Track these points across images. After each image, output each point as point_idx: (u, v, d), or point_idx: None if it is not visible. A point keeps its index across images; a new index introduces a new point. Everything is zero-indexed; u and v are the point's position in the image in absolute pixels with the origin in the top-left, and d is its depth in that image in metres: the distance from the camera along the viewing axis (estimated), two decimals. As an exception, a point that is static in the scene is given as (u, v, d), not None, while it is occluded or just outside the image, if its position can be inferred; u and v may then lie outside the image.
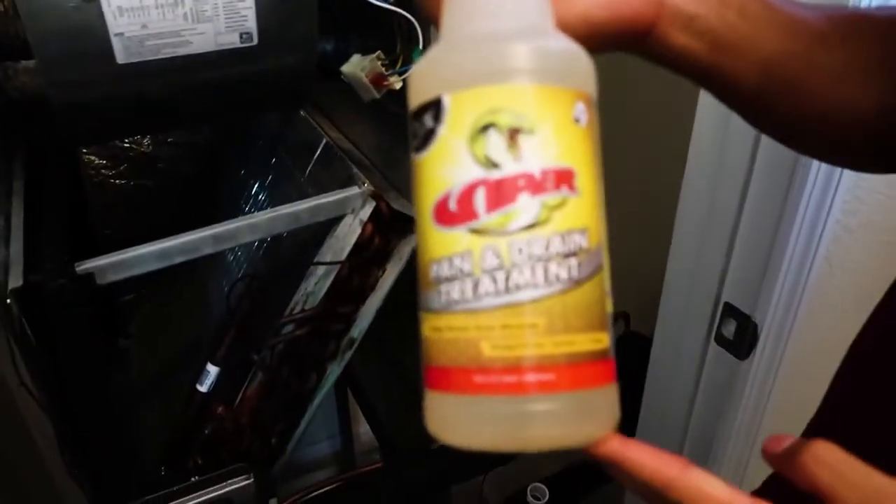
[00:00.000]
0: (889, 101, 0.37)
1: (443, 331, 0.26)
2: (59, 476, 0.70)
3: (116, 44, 0.62)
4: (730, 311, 0.75)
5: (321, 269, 0.83)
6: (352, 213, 0.82)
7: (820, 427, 0.43)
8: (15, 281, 0.64)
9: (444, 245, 0.26)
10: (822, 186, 0.64)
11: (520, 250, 0.25)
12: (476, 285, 0.25)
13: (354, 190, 0.81)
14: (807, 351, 0.74)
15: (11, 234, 0.71)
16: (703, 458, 0.81)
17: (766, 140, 0.65)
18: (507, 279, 0.25)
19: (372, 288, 0.85)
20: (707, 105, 0.70)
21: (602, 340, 0.26)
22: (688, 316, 0.81)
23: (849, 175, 0.65)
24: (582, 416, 0.26)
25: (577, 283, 0.25)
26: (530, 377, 0.25)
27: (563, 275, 0.25)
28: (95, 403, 0.71)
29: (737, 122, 0.68)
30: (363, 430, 1.64)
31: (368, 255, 0.83)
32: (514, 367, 0.25)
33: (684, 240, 0.80)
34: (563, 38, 0.28)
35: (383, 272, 0.84)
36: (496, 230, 0.25)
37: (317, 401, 0.89)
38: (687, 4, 0.33)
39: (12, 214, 0.74)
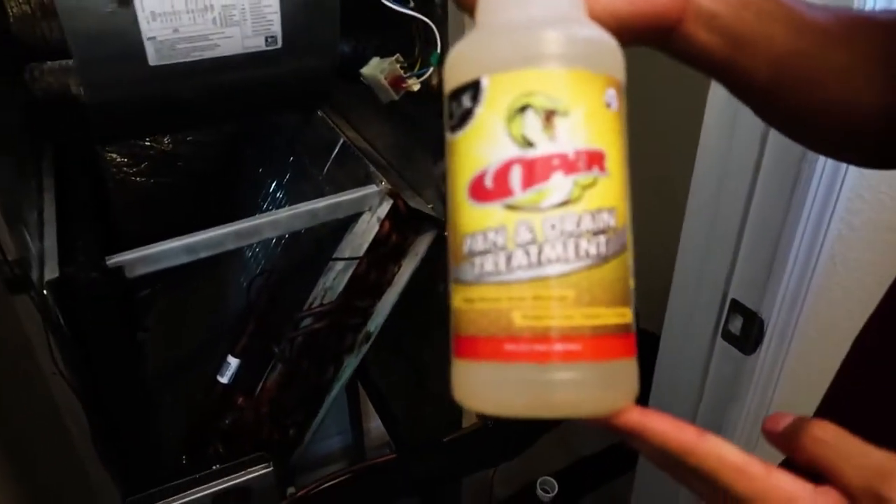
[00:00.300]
0: (892, 99, 0.39)
1: (475, 301, 0.27)
2: (90, 461, 0.73)
3: (149, 47, 0.64)
4: (736, 307, 0.77)
5: (340, 265, 0.86)
6: (369, 211, 0.84)
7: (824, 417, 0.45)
8: (51, 273, 0.66)
9: (478, 220, 0.27)
10: (826, 186, 0.66)
11: (552, 226, 0.26)
12: (509, 259, 0.26)
13: (372, 188, 0.84)
14: (811, 347, 0.76)
15: (45, 228, 0.73)
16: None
17: (771, 141, 0.67)
18: (539, 253, 0.26)
19: (388, 283, 0.87)
20: (715, 107, 0.73)
21: (625, 315, 0.27)
22: (695, 312, 0.83)
23: (852, 175, 0.67)
24: (605, 386, 0.27)
25: (604, 259, 0.26)
26: (558, 346, 0.26)
27: (592, 251, 0.26)
28: (124, 391, 0.74)
29: (744, 124, 0.70)
30: (373, 425, 1.67)
31: (385, 252, 0.85)
32: (543, 336, 0.26)
33: (692, 238, 0.82)
34: (596, 26, 0.29)
35: (399, 268, 0.87)
36: (530, 206, 0.26)
37: (334, 392, 0.92)
38: (710, 3, 0.35)
39: (44, 209, 0.77)
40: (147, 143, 1.13)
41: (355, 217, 0.85)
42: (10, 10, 0.99)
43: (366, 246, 0.84)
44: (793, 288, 0.72)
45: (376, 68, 0.76)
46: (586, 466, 1.18)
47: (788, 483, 0.26)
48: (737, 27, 0.35)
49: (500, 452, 1.01)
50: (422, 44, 0.76)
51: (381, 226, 0.83)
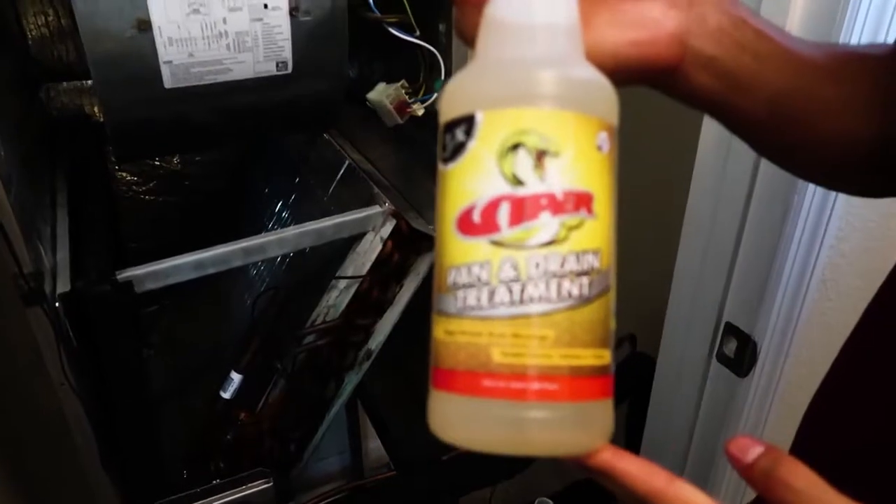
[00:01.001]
0: (882, 132, 0.40)
1: (455, 334, 0.27)
2: (93, 472, 0.74)
3: (165, 70, 0.67)
4: (730, 330, 0.79)
5: (343, 283, 0.87)
6: (373, 231, 0.86)
7: (820, 406, 0.45)
8: (63, 287, 0.68)
9: (464, 253, 0.27)
10: (815, 215, 0.68)
11: (536, 265, 0.26)
12: (492, 294, 0.26)
13: (376, 209, 0.86)
14: (805, 369, 0.78)
15: (58, 242, 0.76)
16: (706, 470, 0.84)
17: (763, 171, 0.70)
18: (522, 291, 0.26)
19: (390, 302, 0.89)
20: (708, 138, 0.75)
21: (604, 357, 0.28)
22: (690, 335, 0.85)
23: (841, 204, 0.70)
24: (580, 427, 0.27)
25: (586, 300, 0.27)
26: (535, 385, 0.26)
27: (575, 292, 0.26)
28: (129, 403, 0.75)
29: (736, 155, 0.73)
30: (372, 446, 1.67)
31: (388, 271, 0.87)
32: (521, 374, 0.26)
33: (687, 263, 0.84)
34: (592, 69, 0.29)
35: (401, 287, 0.89)
36: (516, 244, 0.26)
37: (335, 409, 0.93)
38: (708, 47, 0.36)
39: (57, 224, 0.79)
40: (157, 163, 1.16)
41: (359, 236, 0.87)
42: (29, 33, 1.02)
43: (369, 265, 0.86)
44: (785, 312, 0.74)
45: (382, 93, 0.79)
46: (582, 489, 1.19)
47: None
48: (735, 70, 0.36)
49: (497, 472, 1.02)
50: (426, 70, 0.79)
51: (384, 245, 0.85)
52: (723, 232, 0.76)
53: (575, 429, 0.27)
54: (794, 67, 0.38)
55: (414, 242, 0.87)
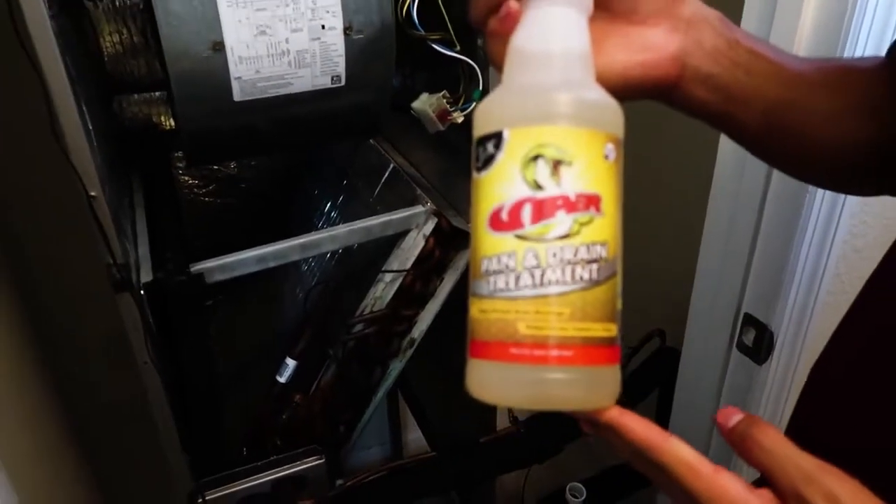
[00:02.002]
0: (874, 138, 0.45)
1: (488, 312, 0.32)
2: (169, 443, 0.83)
3: (235, 85, 0.76)
4: (749, 321, 0.84)
5: (388, 277, 0.95)
6: (416, 229, 0.94)
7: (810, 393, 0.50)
8: (146, 277, 0.77)
9: (494, 246, 0.32)
10: (826, 213, 0.74)
11: (554, 254, 0.31)
12: (518, 279, 0.31)
13: (419, 208, 0.94)
14: (820, 358, 0.83)
15: (138, 238, 0.85)
16: (728, 454, 0.89)
17: (775, 176, 0.75)
18: (542, 276, 0.31)
19: (432, 294, 0.96)
20: (726, 149, 0.81)
21: (612, 330, 0.32)
22: (712, 325, 0.90)
23: (854, 203, 0.75)
24: (591, 387, 0.32)
25: (595, 283, 0.31)
26: (554, 352, 0.31)
27: (586, 276, 0.31)
28: (200, 381, 0.84)
29: (751, 162, 0.78)
30: (412, 437, 1.75)
31: (429, 266, 0.94)
32: (542, 343, 0.31)
33: (709, 261, 0.89)
34: (601, 90, 0.34)
35: (441, 280, 0.96)
36: (537, 237, 0.31)
37: (380, 394, 1.01)
38: (705, 65, 0.40)
39: (136, 221, 0.88)
40: (215, 168, 1.25)
41: (403, 234, 0.95)
42: (105, 50, 1.13)
43: (412, 260, 0.93)
44: (800, 303, 0.79)
45: (425, 103, 0.86)
46: (613, 475, 1.24)
47: (729, 482, 0.31)
48: (730, 85, 0.41)
49: (531, 455, 1.09)
50: (466, 81, 0.86)
51: (426, 242, 0.93)
52: (740, 231, 0.82)
53: (587, 388, 0.32)
54: (786, 81, 0.43)
55: (454, 239, 0.94)
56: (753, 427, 0.32)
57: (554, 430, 1.08)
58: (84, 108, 0.65)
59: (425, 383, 1.32)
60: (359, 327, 0.96)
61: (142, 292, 0.75)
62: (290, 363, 1.00)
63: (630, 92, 0.40)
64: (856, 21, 0.64)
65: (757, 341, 0.84)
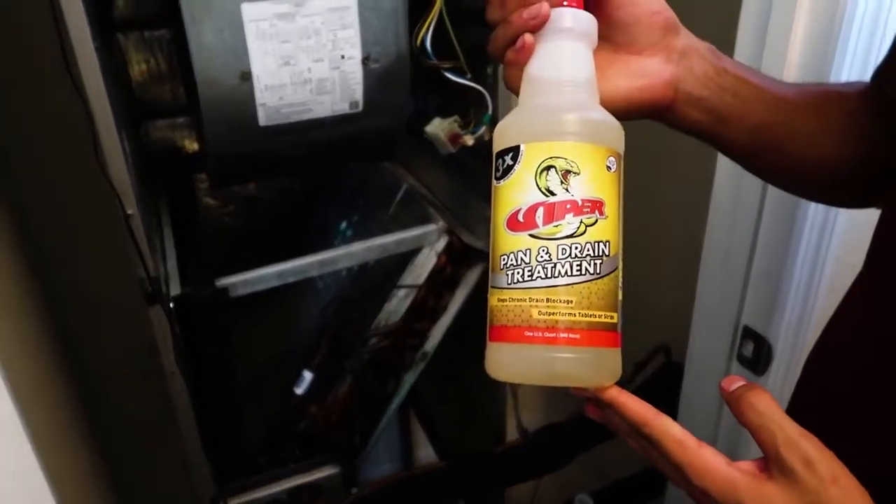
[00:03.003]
0: (855, 156, 0.49)
1: (506, 301, 0.37)
2: (193, 450, 0.87)
3: (260, 111, 0.81)
4: (748, 333, 0.88)
5: (402, 292, 1.00)
6: (429, 246, 0.99)
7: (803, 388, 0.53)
8: (174, 290, 0.82)
9: (511, 244, 0.37)
10: (818, 231, 0.77)
11: (563, 251, 0.36)
12: (532, 272, 0.36)
13: (431, 227, 0.98)
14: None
15: (166, 254, 0.90)
16: (732, 455, 0.92)
17: (770, 197, 0.79)
18: (553, 269, 0.36)
19: (444, 309, 1.01)
20: (723, 167, 0.85)
21: (613, 318, 0.37)
22: (714, 338, 0.94)
23: (844, 220, 0.79)
24: (595, 366, 0.37)
25: (599, 276, 0.36)
26: (563, 335, 0.36)
27: (591, 270, 0.36)
28: (223, 389, 0.88)
29: (747, 181, 0.82)
30: (423, 454, 1.78)
31: (441, 281, 0.99)
32: (553, 327, 0.36)
33: (709, 277, 0.93)
34: (604, 111, 0.39)
35: (453, 296, 1.00)
36: (548, 236, 0.36)
37: (394, 405, 1.05)
38: (696, 90, 0.46)
39: (165, 239, 0.93)
40: (236, 189, 1.31)
41: (416, 251, 0.99)
42: (133, 78, 1.19)
43: (425, 276, 0.98)
44: (797, 315, 0.83)
45: (438, 127, 0.91)
46: (622, 487, 1.27)
47: (711, 455, 0.35)
48: (719, 107, 0.46)
49: (539, 467, 1.12)
50: (476, 107, 0.91)
51: (439, 259, 0.97)
52: (738, 247, 0.86)
53: (591, 367, 0.37)
54: (771, 104, 0.48)
55: (465, 256, 0.98)
56: (751, 391, 0.36)
57: (562, 442, 1.11)
58: (123, 134, 0.71)
59: (436, 396, 1.35)
60: (373, 341, 1.00)
61: (171, 305, 0.79)
62: (308, 375, 1.05)
63: (631, 112, 0.45)
64: (840, 49, 0.69)
65: (756, 353, 0.87)
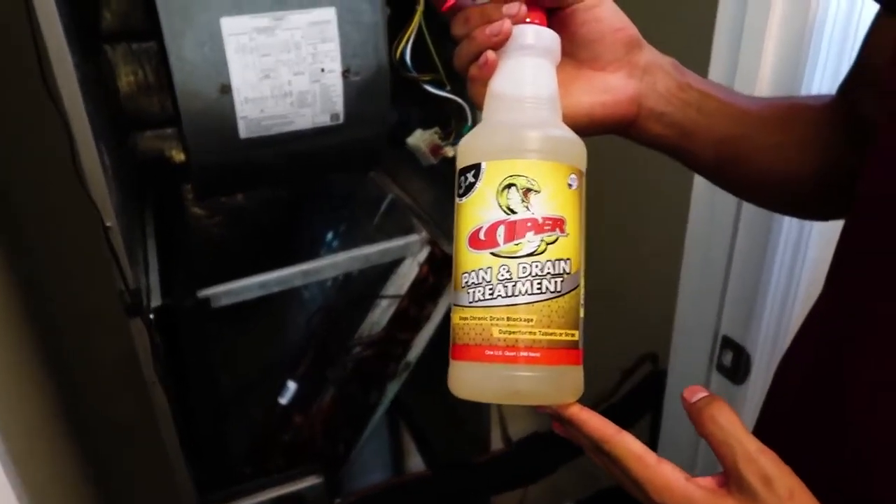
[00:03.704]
0: (819, 169, 0.50)
1: (467, 319, 0.37)
2: (176, 461, 0.87)
3: (241, 123, 0.82)
4: (727, 343, 0.89)
5: (385, 302, 1.00)
6: (411, 256, 0.99)
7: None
8: (155, 301, 0.83)
9: (473, 262, 0.37)
10: (793, 243, 0.78)
11: (524, 269, 0.36)
12: (493, 290, 0.36)
13: (414, 237, 0.99)
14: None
15: (149, 265, 0.90)
16: (713, 470, 0.93)
17: (746, 208, 0.80)
18: (513, 287, 0.36)
19: (426, 319, 1.01)
20: (700, 181, 0.86)
21: (574, 335, 0.37)
22: (694, 348, 0.94)
23: (819, 231, 0.79)
24: (556, 384, 0.37)
25: (560, 294, 0.36)
26: (523, 353, 0.35)
27: (551, 288, 0.36)
28: (206, 401, 0.89)
29: (723, 194, 0.82)
30: (412, 462, 1.78)
31: (424, 291, 0.99)
32: (513, 346, 0.35)
33: (689, 284, 0.94)
34: (566, 129, 0.39)
35: (436, 306, 1.01)
36: (509, 254, 0.36)
37: (378, 414, 1.05)
38: (658, 105, 0.46)
39: (148, 250, 0.94)
40: (223, 199, 1.31)
41: (399, 261, 1.00)
42: (120, 89, 1.20)
43: (407, 286, 0.98)
44: (774, 325, 0.84)
45: (419, 138, 0.92)
46: (608, 496, 1.27)
47: (670, 472, 0.35)
48: (683, 121, 0.47)
49: (525, 475, 1.12)
50: (456, 118, 0.92)
51: (421, 269, 0.98)
52: (716, 259, 0.86)
53: (552, 385, 0.37)
54: (736, 118, 0.48)
55: (447, 266, 0.99)
56: (713, 404, 0.36)
57: (547, 450, 1.11)
58: (102, 147, 0.71)
59: (422, 405, 1.36)
60: (357, 350, 1.01)
61: (151, 316, 0.80)
62: (292, 385, 1.05)
63: (594, 128, 0.45)
64: (810, 60, 0.70)
65: (735, 363, 0.88)
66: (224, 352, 1.37)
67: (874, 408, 0.39)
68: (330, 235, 1.24)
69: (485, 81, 0.41)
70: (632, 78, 0.46)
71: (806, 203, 0.55)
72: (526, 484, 1.13)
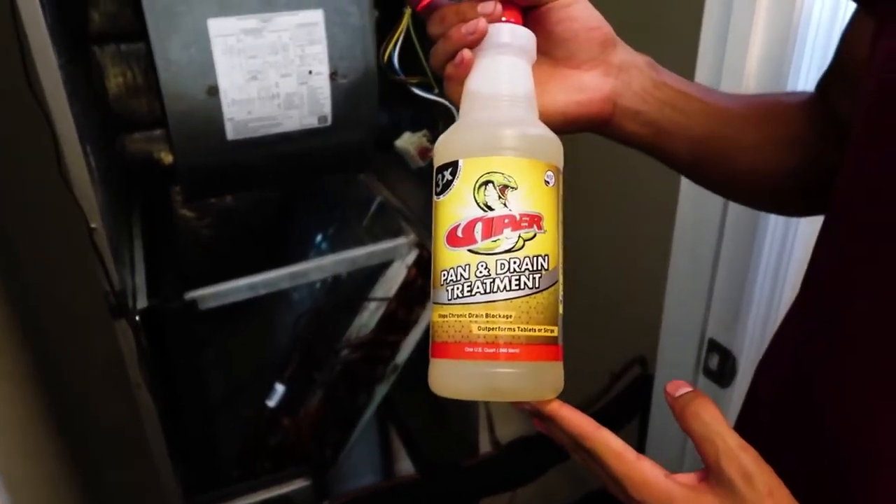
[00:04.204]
0: (796, 166, 0.50)
1: (447, 317, 0.36)
2: (161, 464, 0.87)
3: (228, 125, 0.82)
4: (713, 346, 0.89)
5: (373, 305, 1.00)
6: (399, 259, 0.99)
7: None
8: (141, 303, 0.82)
9: (451, 259, 0.36)
10: (778, 246, 0.79)
11: (502, 265, 0.35)
12: (471, 287, 0.35)
13: (402, 240, 0.99)
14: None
15: (135, 267, 0.90)
16: (696, 476, 0.93)
17: (731, 212, 0.81)
18: (492, 284, 0.35)
19: (414, 322, 1.01)
20: (687, 186, 0.87)
21: (554, 331, 0.37)
22: (681, 351, 0.95)
23: (805, 233, 0.80)
24: (536, 380, 0.36)
25: (539, 290, 0.36)
26: (502, 350, 0.35)
27: (530, 284, 0.35)
28: (193, 402, 0.88)
29: (709, 198, 0.83)
30: (402, 466, 1.78)
31: (412, 294, 0.99)
32: (493, 342, 0.35)
33: (676, 288, 0.94)
34: (542, 126, 0.38)
35: (424, 308, 1.01)
36: (487, 251, 0.35)
37: (366, 417, 1.05)
38: (633, 103, 0.46)
39: (135, 252, 0.94)
40: (212, 201, 1.31)
41: (387, 264, 1.00)
42: (109, 90, 1.19)
43: (395, 289, 0.98)
44: (759, 328, 0.84)
45: (407, 141, 0.93)
46: (597, 499, 1.27)
47: (649, 468, 0.35)
48: (658, 120, 0.47)
49: (514, 478, 1.12)
50: (444, 121, 0.92)
51: (409, 272, 0.98)
52: (702, 261, 0.87)
53: (532, 381, 0.36)
54: (712, 116, 0.48)
55: (435, 269, 0.99)
56: (696, 400, 0.36)
57: (535, 453, 1.11)
58: (88, 149, 0.71)
59: (411, 409, 1.36)
60: (345, 353, 1.00)
61: (137, 318, 0.80)
62: (279, 388, 1.05)
63: (570, 126, 0.45)
64: (795, 59, 0.70)
65: (721, 366, 0.88)
66: (212, 354, 1.37)
67: (849, 409, 0.39)
68: (319, 237, 1.24)
69: (461, 80, 0.41)
70: (607, 76, 0.46)
71: (785, 199, 0.56)
72: (514, 487, 1.13)
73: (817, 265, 0.45)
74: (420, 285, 0.99)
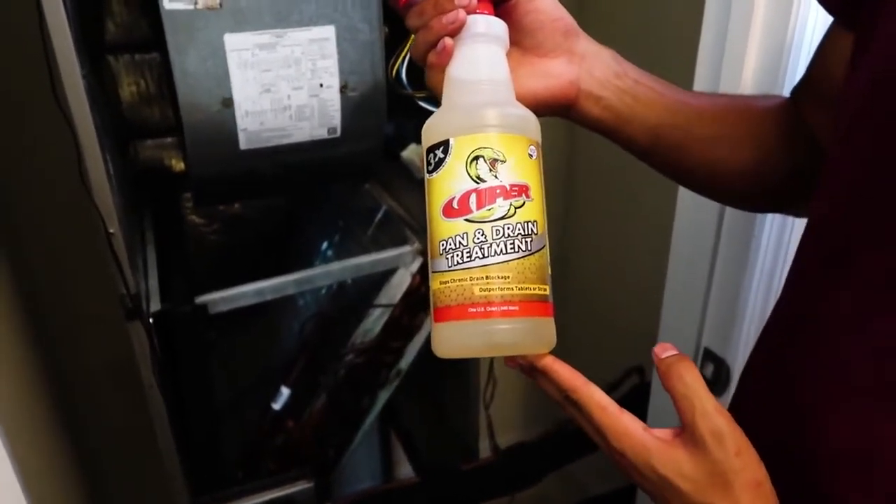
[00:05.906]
0: (754, 166, 0.53)
1: (448, 283, 0.40)
2: (171, 463, 0.89)
3: (241, 135, 0.84)
4: (708, 355, 0.91)
5: (378, 311, 1.03)
6: (404, 266, 1.02)
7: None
8: (154, 307, 0.85)
9: (449, 229, 0.40)
10: (772, 255, 0.81)
11: (497, 231, 0.39)
12: (470, 253, 0.39)
13: (407, 248, 1.02)
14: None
15: (148, 271, 0.93)
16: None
17: (728, 216, 0.83)
18: (489, 249, 0.39)
19: (418, 328, 1.04)
20: (684, 198, 0.89)
21: (546, 290, 0.41)
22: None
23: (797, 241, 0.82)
24: (533, 335, 0.40)
25: (531, 252, 0.40)
26: (503, 308, 0.39)
27: (523, 247, 0.39)
28: (201, 404, 0.91)
29: (706, 209, 0.86)
30: (401, 469, 1.80)
31: (416, 301, 1.02)
32: (493, 301, 0.39)
33: (672, 297, 0.97)
34: (522, 106, 0.43)
35: (427, 315, 1.03)
36: (482, 219, 0.39)
37: (368, 421, 1.07)
38: (595, 89, 0.50)
39: (147, 256, 0.96)
40: (221, 208, 1.34)
41: (392, 271, 1.03)
42: (123, 99, 1.22)
43: (399, 295, 1.01)
44: (753, 338, 0.86)
45: (413, 152, 0.95)
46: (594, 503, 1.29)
47: (630, 420, 0.39)
48: (618, 107, 0.51)
49: (512, 483, 1.15)
50: (450, 134, 0.95)
51: (413, 279, 1.01)
52: (698, 273, 0.89)
53: (529, 336, 0.40)
54: (671, 108, 0.52)
55: (439, 277, 1.02)
56: (681, 362, 0.39)
57: (534, 459, 1.14)
58: (107, 156, 0.74)
59: (412, 414, 1.38)
60: (349, 357, 1.03)
61: (150, 321, 0.82)
62: (285, 391, 1.07)
63: (539, 109, 0.49)
64: (791, 65, 0.73)
65: (716, 375, 0.90)
66: (223, 357, 1.39)
67: (823, 410, 0.41)
68: (325, 245, 1.27)
69: (442, 68, 0.44)
70: (571, 63, 0.50)
71: (742, 195, 0.59)
72: (513, 492, 1.15)
73: (796, 271, 0.48)
74: (424, 292, 1.01)
